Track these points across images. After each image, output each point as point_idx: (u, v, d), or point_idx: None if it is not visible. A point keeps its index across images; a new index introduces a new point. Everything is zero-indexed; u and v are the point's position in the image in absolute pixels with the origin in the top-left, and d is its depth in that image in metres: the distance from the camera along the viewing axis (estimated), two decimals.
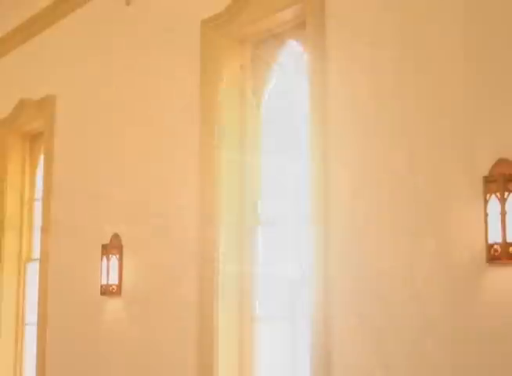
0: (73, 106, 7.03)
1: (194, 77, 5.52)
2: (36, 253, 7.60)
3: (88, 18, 6.90)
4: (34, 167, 8.00)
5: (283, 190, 5.13)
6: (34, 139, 8.01)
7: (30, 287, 7.76)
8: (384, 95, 4.23)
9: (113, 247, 6.16)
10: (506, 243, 3.53)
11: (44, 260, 7.10)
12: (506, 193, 3.56)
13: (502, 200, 3.56)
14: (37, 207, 7.67)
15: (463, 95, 3.83)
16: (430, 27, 4.02)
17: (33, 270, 7.64)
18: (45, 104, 7.30)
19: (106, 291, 6.13)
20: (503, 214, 3.55)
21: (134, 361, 5.88)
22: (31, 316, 7.56)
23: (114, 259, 6.13)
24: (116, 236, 6.19)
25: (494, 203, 3.58)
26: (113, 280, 6.11)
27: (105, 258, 6.16)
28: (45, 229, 7.14)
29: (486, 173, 3.64)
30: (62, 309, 6.82)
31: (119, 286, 6.09)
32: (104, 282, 6.15)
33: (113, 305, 6.17)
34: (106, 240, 6.21)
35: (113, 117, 6.44)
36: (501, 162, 3.60)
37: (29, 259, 7.87)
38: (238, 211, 5.29)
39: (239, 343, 5.19)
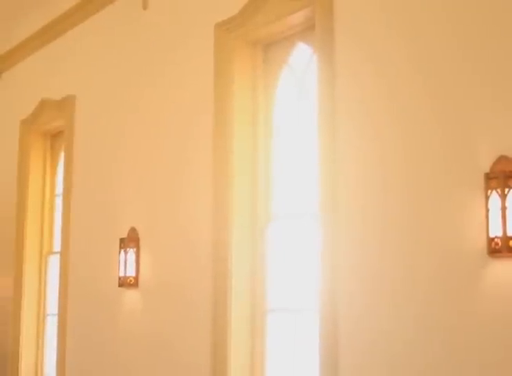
0: (92, 106, 7.05)
1: (208, 78, 5.52)
2: (57, 246, 7.63)
3: (107, 22, 6.91)
4: (54, 164, 8.04)
5: (294, 189, 5.12)
6: (54, 137, 8.05)
7: (50, 278, 7.81)
8: (390, 95, 4.23)
9: (130, 240, 6.16)
10: (507, 236, 3.53)
11: (64, 253, 7.13)
12: (507, 189, 3.56)
13: (503, 196, 3.56)
14: (58, 202, 7.72)
15: (465, 96, 3.84)
16: (434, 28, 4.03)
17: (54, 263, 7.69)
18: (65, 104, 7.32)
19: (123, 282, 6.15)
20: (504, 209, 3.55)
21: (149, 349, 5.90)
22: (52, 306, 7.61)
23: (131, 252, 6.14)
24: (133, 230, 6.19)
25: (495, 198, 3.59)
26: (131, 272, 6.12)
27: (122, 252, 6.18)
28: (65, 224, 7.17)
29: (487, 170, 3.64)
30: (81, 300, 6.84)
31: (136, 278, 6.11)
32: (122, 274, 6.16)
33: (130, 296, 6.19)
34: (124, 234, 6.22)
35: (130, 117, 6.45)
36: (501, 159, 3.60)
37: (50, 252, 7.91)
38: (250, 207, 5.29)
39: (251, 335, 5.19)
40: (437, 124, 3.96)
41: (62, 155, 7.62)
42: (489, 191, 3.61)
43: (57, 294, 7.21)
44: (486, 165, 3.66)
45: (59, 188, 7.65)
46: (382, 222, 4.19)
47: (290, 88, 5.26)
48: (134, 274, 6.11)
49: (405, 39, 4.18)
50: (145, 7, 6.36)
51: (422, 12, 4.11)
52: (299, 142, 5.13)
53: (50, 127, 7.88)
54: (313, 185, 4.75)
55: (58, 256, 7.35)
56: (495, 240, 3.57)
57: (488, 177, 3.62)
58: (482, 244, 3.64)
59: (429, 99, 4.01)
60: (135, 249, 6.13)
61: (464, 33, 3.88)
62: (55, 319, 7.22)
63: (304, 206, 5.00)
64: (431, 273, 3.89)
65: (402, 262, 4.05)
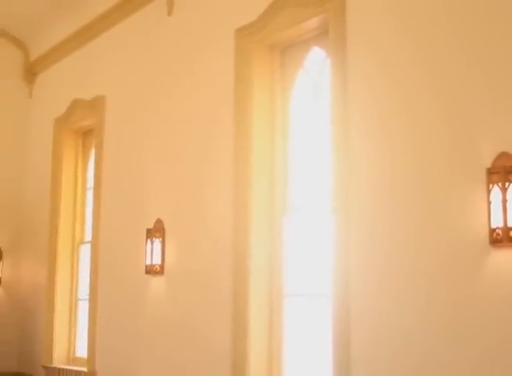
0: (120, 106, 7.10)
1: (229, 79, 5.56)
2: (88, 236, 7.69)
3: (135, 27, 6.96)
4: (85, 160, 8.10)
5: (309, 182, 5.16)
6: (86, 135, 8.10)
7: (82, 266, 7.87)
8: (399, 96, 4.27)
9: (156, 231, 6.22)
10: (507, 227, 3.57)
11: (94, 242, 7.19)
12: (507, 184, 3.60)
13: (504, 190, 3.60)
14: (89, 195, 7.76)
15: (469, 97, 3.87)
16: (441, 34, 4.06)
17: (85, 251, 7.74)
18: (96, 104, 7.37)
19: (150, 270, 6.21)
20: (504, 201, 3.60)
21: (173, 332, 5.96)
22: (83, 292, 7.67)
23: (157, 242, 6.19)
24: (159, 221, 6.24)
25: (496, 192, 3.63)
26: (157, 260, 6.18)
27: (149, 241, 6.24)
28: (95, 215, 7.23)
29: (489, 165, 3.68)
30: (110, 286, 6.91)
31: (162, 266, 6.16)
32: (148, 262, 6.23)
33: (156, 282, 6.25)
34: (150, 225, 6.28)
35: (157, 116, 6.49)
36: (502, 155, 3.64)
37: (81, 242, 7.97)
38: (268, 200, 5.33)
39: (269, 318, 5.23)
40: (442, 124, 3.99)
41: (92, 152, 7.67)
42: (491, 185, 3.65)
43: (88, 281, 7.28)
44: (488, 161, 3.70)
45: (90, 182, 7.70)
46: (391, 214, 4.24)
47: (305, 89, 5.29)
48: (159, 262, 6.17)
49: (413, 44, 4.21)
50: (169, 13, 6.40)
51: (429, 20, 4.14)
52: (314, 139, 5.17)
53: (82, 125, 7.93)
54: (327, 179, 4.79)
55: (89, 245, 7.41)
56: (497, 230, 3.62)
57: (490, 172, 3.66)
58: (484, 234, 3.68)
59: (435, 100, 4.05)
60: (160, 239, 6.19)
61: (467, 39, 3.91)
62: (87, 304, 7.28)
63: (318, 199, 5.04)
64: (437, 262, 3.94)
65: (409, 251, 4.10)
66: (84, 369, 7.10)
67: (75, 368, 7.37)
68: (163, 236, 6.18)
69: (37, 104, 8.84)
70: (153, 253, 6.19)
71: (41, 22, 8.25)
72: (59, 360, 7.75)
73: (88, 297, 7.24)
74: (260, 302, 5.22)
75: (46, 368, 7.74)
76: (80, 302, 7.82)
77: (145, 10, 6.77)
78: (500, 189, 3.61)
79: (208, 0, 6.01)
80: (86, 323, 7.22)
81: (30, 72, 8.87)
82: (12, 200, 8.53)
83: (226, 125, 5.53)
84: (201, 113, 5.92)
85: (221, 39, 5.73)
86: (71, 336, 7.86)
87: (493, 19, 3.81)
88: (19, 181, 8.68)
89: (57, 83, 8.42)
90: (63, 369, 7.50)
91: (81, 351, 7.52)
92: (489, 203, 3.65)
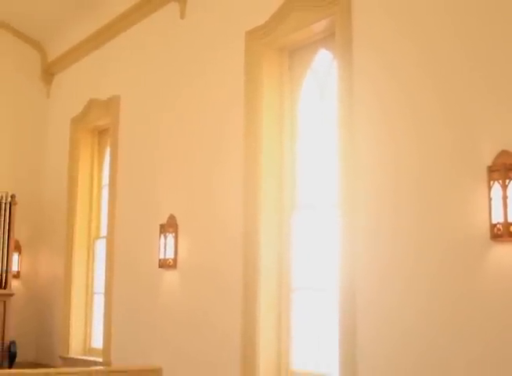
0: (135, 105, 7.15)
1: (239, 80, 5.60)
2: (103, 231, 7.76)
3: (149, 29, 7.00)
4: (101, 158, 8.15)
5: (317, 180, 5.19)
6: (101, 133, 8.16)
7: (98, 260, 7.92)
8: (403, 97, 4.29)
9: (169, 226, 6.27)
10: (508, 223, 3.61)
11: (110, 237, 7.25)
12: (508, 181, 3.63)
13: (504, 187, 3.64)
14: (105, 192, 7.81)
15: (471, 99, 3.89)
16: (443, 38, 4.08)
17: (100, 246, 7.80)
18: (111, 104, 7.42)
19: (163, 264, 6.27)
20: (505, 198, 3.63)
21: (186, 323, 6.00)
22: (99, 285, 7.73)
23: (170, 237, 6.25)
24: (172, 217, 6.30)
25: (497, 189, 3.66)
26: (170, 254, 6.23)
27: (162, 236, 6.29)
28: (110, 211, 7.28)
29: (490, 163, 3.71)
30: (125, 279, 6.97)
31: (175, 260, 6.21)
32: (162, 256, 6.29)
33: (169, 276, 6.31)
34: (164, 221, 6.33)
35: (169, 116, 6.54)
36: (503, 154, 3.67)
37: (97, 237, 8.03)
38: (277, 196, 5.36)
39: (278, 310, 5.27)
40: (445, 124, 4.02)
41: (107, 150, 7.72)
42: (492, 182, 3.68)
43: (103, 274, 7.33)
44: (489, 159, 3.73)
45: (106, 179, 7.75)
46: (395, 210, 4.27)
47: (313, 90, 5.32)
48: (173, 256, 6.22)
49: (417, 47, 4.24)
50: (182, 17, 6.44)
51: (432, 24, 4.16)
52: (321, 140, 5.19)
53: (97, 124, 7.99)
54: (333, 177, 4.82)
55: (104, 240, 7.47)
56: (497, 226, 3.65)
57: (491, 170, 3.70)
58: (485, 229, 3.72)
59: (439, 102, 4.07)
60: (173, 234, 6.24)
61: (469, 42, 3.93)
62: (102, 297, 7.34)
63: (325, 196, 5.07)
64: (440, 256, 3.97)
65: (413, 246, 4.13)
66: (100, 359, 7.16)
67: (91, 358, 7.44)
68: (176, 232, 6.23)
69: (55, 104, 8.90)
70: (166, 247, 6.25)
71: (58, 24, 8.30)
72: (75, 351, 7.82)
73: (103, 290, 7.29)
74: (269, 295, 5.25)
75: (63, 358, 7.81)
76: (95, 295, 7.88)
77: (159, 13, 6.81)
78: (501, 186, 3.64)
79: (219, 4, 6.05)
80: (101, 316, 7.28)
81: (48, 72, 8.94)
82: (31, 196, 8.58)
83: (237, 125, 5.57)
84: (213, 113, 5.96)
85: (231, 41, 5.77)
86: (87, 328, 7.92)
87: (494, 23, 3.83)
88: (38, 178, 8.75)
89: (74, 83, 8.48)
90: (80, 359, 7.56)
91: (97, 342, 7.59)
92: (490, 199, 3.68)
